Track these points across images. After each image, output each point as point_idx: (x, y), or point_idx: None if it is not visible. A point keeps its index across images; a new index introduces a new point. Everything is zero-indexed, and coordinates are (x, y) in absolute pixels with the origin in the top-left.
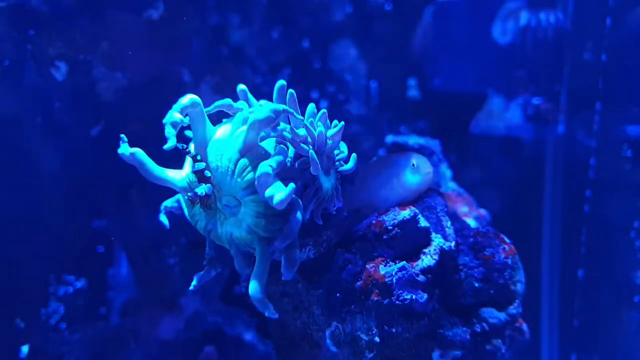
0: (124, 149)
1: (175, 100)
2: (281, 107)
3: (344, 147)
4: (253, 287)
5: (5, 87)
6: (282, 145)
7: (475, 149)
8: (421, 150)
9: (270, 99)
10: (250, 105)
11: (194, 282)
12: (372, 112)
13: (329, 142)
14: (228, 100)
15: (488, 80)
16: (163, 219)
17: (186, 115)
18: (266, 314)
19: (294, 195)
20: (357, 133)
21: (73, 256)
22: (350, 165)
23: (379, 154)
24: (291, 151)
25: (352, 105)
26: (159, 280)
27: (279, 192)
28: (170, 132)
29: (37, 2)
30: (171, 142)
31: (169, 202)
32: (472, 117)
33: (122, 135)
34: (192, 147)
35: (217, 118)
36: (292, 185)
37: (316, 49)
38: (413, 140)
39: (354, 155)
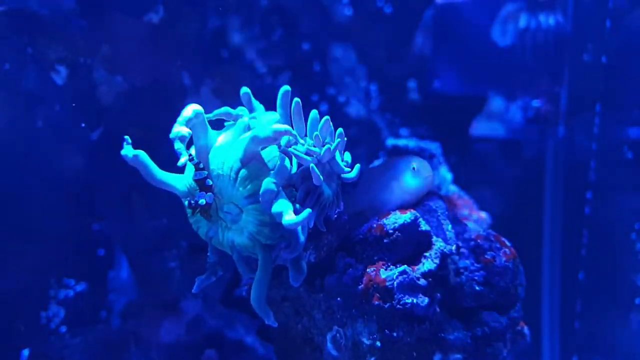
0: (127, 151)
1: (175, 104)
2: (283, 128)
3: (347, 156)
4: (255, 294)
5: (6, 91)
6: (285, 157)
7: (476, 151)
8: (421, 153)
9: (270, 102)
10: (252, 110)
11: (195, 286)
12: (372, 114)
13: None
14: (226, 109)
15: (488, 82)
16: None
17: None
18: (266, 322)
19: (297, 206)
20: (356, 136)
21: (73, 259)
22: (353, 174)
23: (379, 157)
24: (294, 159)
25: (352, 107)
26: (160, 284)
27: (287, 212)
28: (180, 147)
29: (37, 5)
30: (184, 157)
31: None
32: (472, 120)
33: (127, 137)
34: (192, 151)
35: (218, 121)
36: (308, 210)
37: (316, 52)
38: (413, 143)
39: (357, 165)
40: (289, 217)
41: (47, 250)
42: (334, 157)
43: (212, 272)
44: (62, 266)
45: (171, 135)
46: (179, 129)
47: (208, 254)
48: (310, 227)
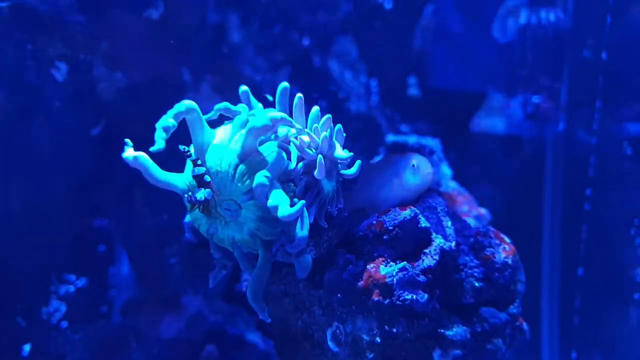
0: (128, 153)
1: (175, 100)
2: (279, 115)
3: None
4: (251, 289)
5: (6, 87)
6: (281, 151)
7: (476, 147)
8: (421, 149)
9: (270, 98)
10: (251, 108)
11: (210, 281)
12: (372, 110)
13: (335, 143)
14: (226, 104)
15: (488, 78)
16: (189, 235)
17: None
18: (259, 316)
19: (295, 200)
20: (356, 132)
21: (74, 255)
22: (353, 170)
23: (379, 154)
24: (293, 154)
25: (352, 104)
26: (160, 280)
27: (283, 205)
28: (159, 136)
29: (37, 2)
30: (159, 145)
31: (188, 218)
32: (472, 116)
33: (127, 140)
34: (191, 149)
35: (218, 118)
36: (302, 202)
37: (316, 47)
38: (413, 139)
39: (358, 161)
40: (284, 209)
41: (48, 246)
42: (333, 147)
43: (221, 266)
44: (63, 262)
45: (157, 124)
46: (165, 120)
47: (211, 251)
48: (310, 222)
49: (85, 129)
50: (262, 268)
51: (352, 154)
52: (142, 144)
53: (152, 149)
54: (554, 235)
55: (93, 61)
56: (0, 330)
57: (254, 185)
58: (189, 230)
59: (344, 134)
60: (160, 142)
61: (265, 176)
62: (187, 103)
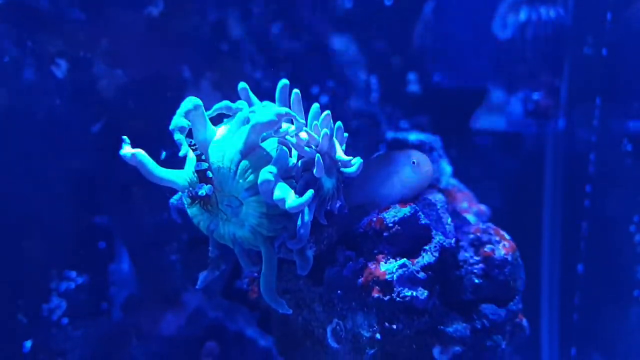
0: (126, 150)
1: (175, 97)
2: (284, 110)
3: (357, 161)
4: (264, 287)
5: (6, 85)
6: (283, 147)
7: (476, 144)
8: (421, 146)
9: (271, 94)
10: (250, 104)
11: (199, 281)
12: (372, 107)
13: (335, 142)
14: (226, 102)
15: (488, 75)
16: (175, 215)
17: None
18: (280, 311)
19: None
20: (357, 128)
21: (75, 252)
22: (354, 169)
23: (379, 150)
24: (294, 150)
25: (352, 100)
26: (161, 276)
27: (289, 196)
28: (180, 138)
29: None
30: (184, 149)
31: (174, 199)
32: (473, 112)
33: (124, 137)
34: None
35: (217, 117)
36: (310, 191)
37: (316, 44)
38: (413, 136)
39: (359, 159)
40: (292, 200)
41: (48, 243)
42: (333, 145)
43: (215, 267)
44: (64, 259)
45: (171, 127)
46: (178, 120)
47: (209, 248)
48: (310, 219)
49: (86, 126)
50: (268, 264)
51: (350, 158)
52: (142, 140)
53: (180, 153)
54: (554, 232)
55: (93, 58)
56: (2, 327)
57: (259, 181)
58: (174, 211)
59: (346, 134)
60: (184, 144)
61: (270, 172)
62: (194, 100)
